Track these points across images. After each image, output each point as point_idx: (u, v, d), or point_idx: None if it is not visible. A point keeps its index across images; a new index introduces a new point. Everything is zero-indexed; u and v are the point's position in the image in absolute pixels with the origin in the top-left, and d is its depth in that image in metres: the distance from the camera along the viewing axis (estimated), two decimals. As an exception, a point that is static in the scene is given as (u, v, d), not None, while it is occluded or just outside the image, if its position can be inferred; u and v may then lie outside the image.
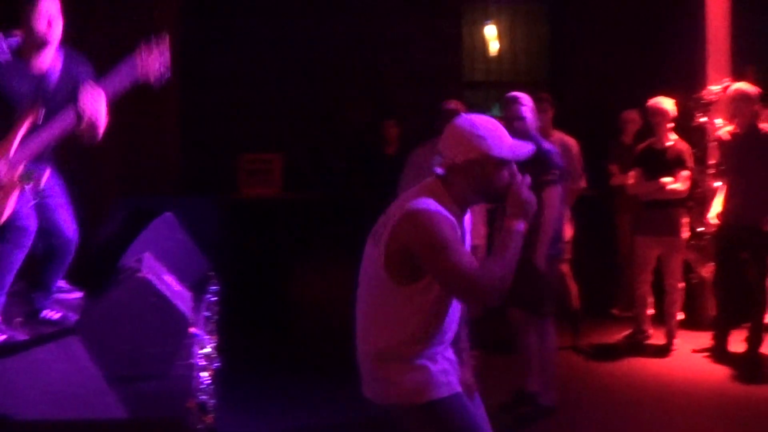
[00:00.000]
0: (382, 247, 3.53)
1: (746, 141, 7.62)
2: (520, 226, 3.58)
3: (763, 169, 7.52)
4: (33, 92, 4.99)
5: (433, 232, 3.41)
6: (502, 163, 3.55)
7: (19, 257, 5.01)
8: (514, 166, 3.61)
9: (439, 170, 3.61)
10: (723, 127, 8.03)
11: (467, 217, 3.70)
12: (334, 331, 7.54)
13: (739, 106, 7.66)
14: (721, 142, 7.95)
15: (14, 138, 4.90)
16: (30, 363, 2.95)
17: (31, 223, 5.01)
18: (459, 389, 3.68)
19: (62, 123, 5.06)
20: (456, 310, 3.67)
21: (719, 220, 7.88)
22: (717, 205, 7.96)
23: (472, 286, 3.39)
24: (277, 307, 7.97)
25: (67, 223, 5.34)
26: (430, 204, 3.47)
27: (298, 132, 10.19)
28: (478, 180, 3.55)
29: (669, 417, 6.55)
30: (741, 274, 7.78)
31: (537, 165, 6.17)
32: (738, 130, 7.72)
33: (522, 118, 6.25)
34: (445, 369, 3.65)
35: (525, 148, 3.67)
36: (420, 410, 3.63)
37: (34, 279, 5.38)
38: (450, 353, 3.75)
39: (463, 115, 3.78)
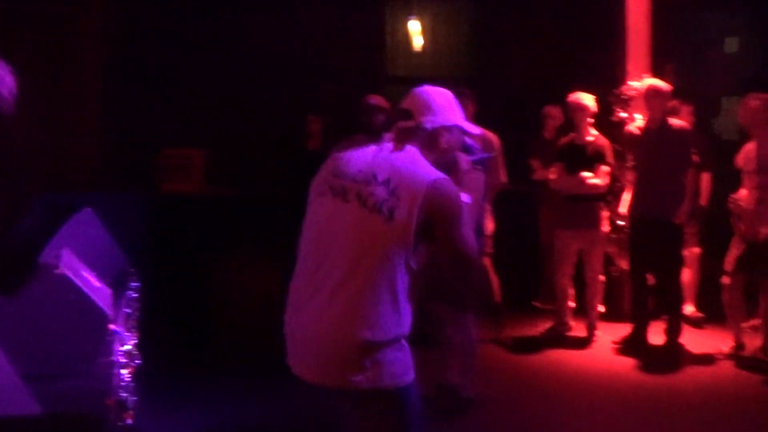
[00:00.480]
0: (402, 219, 3.42)
1: (655, 136, 7.77)
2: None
3: (671, 163, 7.67)
4: None
5: (457, 199, 3.50)
6: (449, 130, 3.70)
7: None
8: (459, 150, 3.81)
9: (417, 140, 3.65)
10: (634, 123, 8.18)
11: None
12: (255, 328, 7.55)
13: (650, 102, 7.82)
14: (630, 136, 8.10)
15: None
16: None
17: None
18: None
19: None
20: None
21: (627, 213, 8.04)
22: (627, 199, 8.11)
23: (471, 255, 3.55)
24: (198, 304, 7.89)
25: None
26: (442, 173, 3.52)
27: (221, 127, 10.11)
28: (444, 148, 3.68)
29: (589, 408, 6.65)
30: (654, 266, 7.92)
31: (458, 158, 6.20)
32: (648, 125, 7.87)
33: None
34: None
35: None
36: (398, 393, 3.61)
37: None
38: None
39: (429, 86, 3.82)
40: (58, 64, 9.30)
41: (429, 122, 3.66)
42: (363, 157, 3.63)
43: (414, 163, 3.58)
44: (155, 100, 9.97)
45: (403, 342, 3.62)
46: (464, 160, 3.78)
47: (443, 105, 3.72)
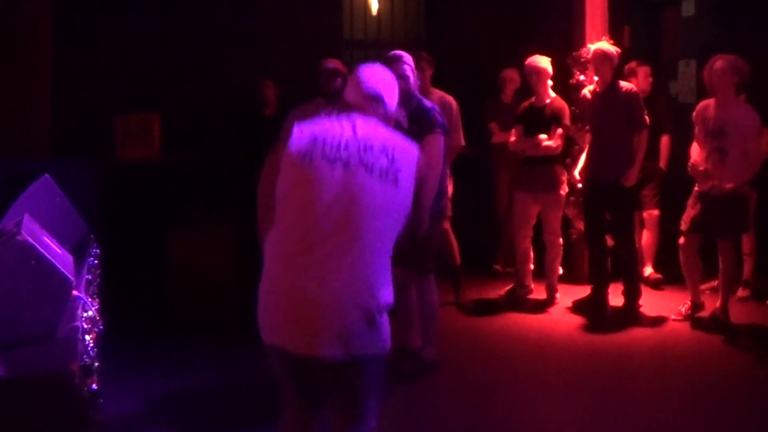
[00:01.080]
0: (406, 184, 3.64)
1: (606, 99, 7.82)
2: None
3: (621, 126, 7.72)
4: None
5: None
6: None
7: None
8: None
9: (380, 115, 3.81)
10: (587, 87, 8.24)
11: None
12: (212, 291, 7.55)
13: (599, 65, 7.87)
14: (583, 100, 8.16)
15: None
16: None
17: None
18: None
19: None
20: None
21: (580, 177, 8.10)
22: (582, 162, 8.18)
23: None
24: (156, 269, 7.87)
25: None
26: None
27: (177, 93, 10.01)
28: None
29: (548, 370, 6.71)
30: (608, 229, 7.99)
31: (419, 123, 6.20)
32: (598, 89, 7.92)
33: (405, 77, 6.26)
34: None
35: None
36: (382, 358, 3.68)
37: None
38: None
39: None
40: (8, 30, 9.16)
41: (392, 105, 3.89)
42: (340, 126, 3.68)
43: (394, 133, 3.74)
44: (109, 65, 9.85)
45: None
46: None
47: (390, 91, 3.89)
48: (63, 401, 3.43)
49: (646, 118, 7.74)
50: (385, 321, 3.62)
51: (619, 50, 7.92)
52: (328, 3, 10.88)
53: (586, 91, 8.11)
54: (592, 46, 8.18)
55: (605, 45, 7.99)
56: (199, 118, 10.07)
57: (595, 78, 8.09)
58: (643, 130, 7.73)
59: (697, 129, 7.58)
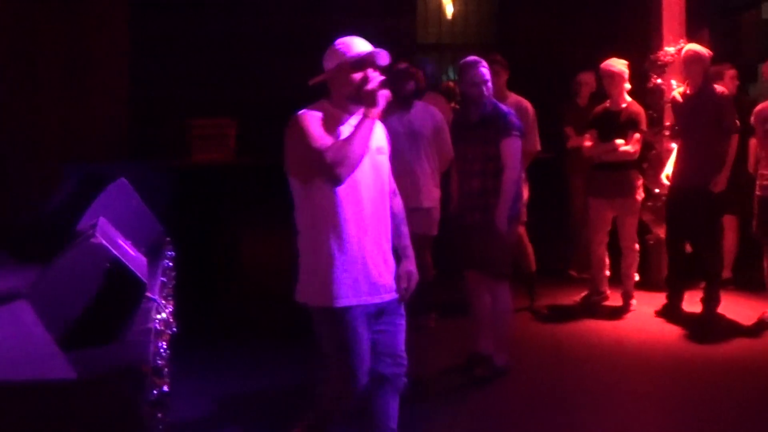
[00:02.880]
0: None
1: (697, 102, 7.67)
2: (372, 114, 4.23)
3: (712, 130, 7.57)
4: None
5: None
6: (355, 65, 4.28)
7: None
8: (369, 70, 4.28)
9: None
10: (677, 89, 8.07)
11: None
12: (286, 296, 7.55)
13: (690, 67, 7.70)
14: (673, 103, 8.01)
15: None
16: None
17: None
18: None
19: None
20: None
21: (669, 181, 7.95)
22: (669, 167, 8.02)
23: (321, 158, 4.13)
24: (230, 272, 7.91)
25: None
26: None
27: (252, 97, 10.07)
28: (343, 85, 4.32)
29: (624, 377, 6.60)
30: (692, 235, 7.85)
31: (494, 126, 6.17)
32: (689, 92, 7.76)
33: (484, 82, 6.25)
34: None
35: (378, 51, 4.31)
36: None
37: None
38: None
39: None
40: (84, 36, 9.30)
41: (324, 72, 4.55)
42: None
43: None
44: (186, 70, 9.94)
45: None
46: (375, 80, 4.30)
47: (335, 49, 4.51)
48: (134, 403, 3.44)
49: (737, 122, 7.59)
50: None
51: (710, 52, 7.74)
52: (402, 6, 10.86)
53: (676, 94, 7.94)
54: (683, 47, 8.02)
55: (696, 46, 7.81)
56: (275, 123, 10.09)
57: (673, 82, 7.95)
58: (734, 134, 7.58)
59: (757, 131, 7.46)
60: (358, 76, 4.29)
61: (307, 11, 10.32)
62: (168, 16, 9.91)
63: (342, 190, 4.21)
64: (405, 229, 4.66)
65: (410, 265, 4.62)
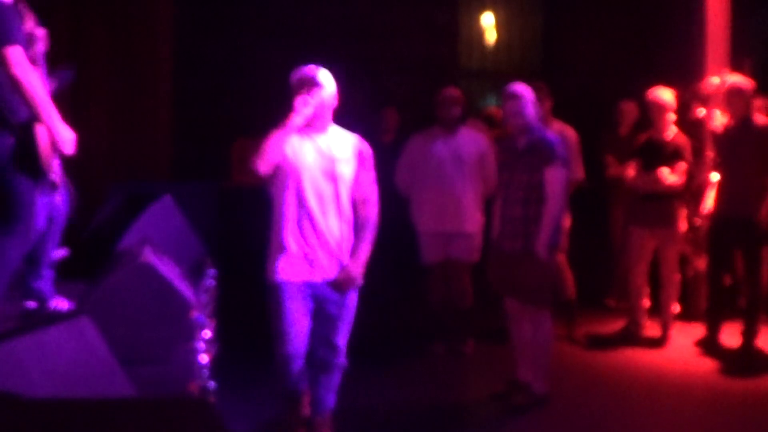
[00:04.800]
0: None
1: (739, 133, 7.62)
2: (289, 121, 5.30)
3: (754, 161, 7.52)
4: None
5: None
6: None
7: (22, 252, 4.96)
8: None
9: None
10: (718, 120, 8.04)
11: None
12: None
13: (732, 99, 7.67)
14: (715, 134, 7.97)
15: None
16: (40, 343, 2.92)
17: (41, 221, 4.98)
18: None
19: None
20: None
21: (712, 212, 7.90)
22: (711, 198, 7.97)
23: None
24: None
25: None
26: None
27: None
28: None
29: (662, 409, 6.54)
30: (733, 266, 7.80)
31: (538, 154, 6.17)
32: (731, 123, 7.73)
33: (521, 115, 6.28)
34: None
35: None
36: None
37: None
38: None
39: None
40: (130, 55, 9.40)
41: None
42: None
43: None
44: (229, 90, 10.02)
45: None
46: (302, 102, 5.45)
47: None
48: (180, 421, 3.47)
49: None
50: None
51: (753, 84, 7.71)
52: (446, 33, 10.91)
53: (719, 125, 7.91)
54: (725, 80, 7.99)
55: (739, 78, 7.77)
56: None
57: (716, 112, 7.91)
58: None
59: None
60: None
61: (352, 35, 10.39)
62: (212, 38, 10.01)
63: (290, 192, 5.16)
64: (366, 234, 5.32)
65: (353, 265, 5.24)
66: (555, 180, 6.15)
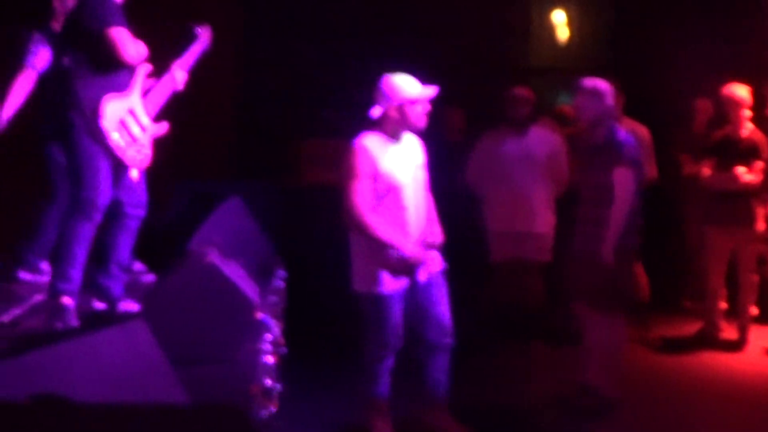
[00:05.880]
0: None
1: None
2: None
3: None
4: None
5: None
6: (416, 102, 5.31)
7: (90, 231, 5.08)
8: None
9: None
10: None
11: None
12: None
13: None
14: None
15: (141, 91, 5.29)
16: (92, 346, 2.91)
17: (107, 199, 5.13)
18: None
19: (170, 84, 5.44)
20: None
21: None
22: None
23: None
24: (340, 293, 7.88)
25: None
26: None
27: (362, 118, 10.09)
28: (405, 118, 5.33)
29: (736, 413, 6.41)
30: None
31: (609, 155, 6.04)
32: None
33: (590, 109, 6.17)
34: None
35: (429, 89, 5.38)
36: None
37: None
38: None
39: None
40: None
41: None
42: None
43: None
44: (296, 89, 10.02)
45: None
46: None
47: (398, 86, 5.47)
48: (241, 423, 3.43)
49: None
50: None
51: None
52: (517, 30, 10.81)
53: None
54: None
55: None
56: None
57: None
58: None
59: None
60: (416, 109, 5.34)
61: (419, 33, 10.33)
62: (278, 36, 10.01)
63: (390, 204, 5.27)
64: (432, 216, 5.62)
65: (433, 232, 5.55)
66: (622, 181, 5.99)
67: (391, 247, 5.23)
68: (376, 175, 5.22)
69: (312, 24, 10.17)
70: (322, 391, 6.53)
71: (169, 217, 6.84)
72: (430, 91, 5.37)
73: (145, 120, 5.41)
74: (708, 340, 7.96)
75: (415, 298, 5.44)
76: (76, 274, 4.99)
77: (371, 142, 5.31)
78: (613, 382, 6.37)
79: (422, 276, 5.39)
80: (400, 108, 5.32)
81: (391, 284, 5.30)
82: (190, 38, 6.22)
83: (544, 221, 7.47)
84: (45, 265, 6.09)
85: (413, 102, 5.32)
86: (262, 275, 5.57)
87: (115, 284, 5.35)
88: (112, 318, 4.64)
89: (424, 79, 9.89)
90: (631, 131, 7.20)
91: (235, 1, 9.94)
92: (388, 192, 5.25)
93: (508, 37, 10.64)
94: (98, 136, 5.06)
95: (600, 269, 6.05)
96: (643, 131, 7.75)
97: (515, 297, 7.66)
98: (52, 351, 2.83)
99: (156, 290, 4.37)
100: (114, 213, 5.30)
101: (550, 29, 11.34)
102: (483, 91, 10.01)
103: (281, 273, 6.20)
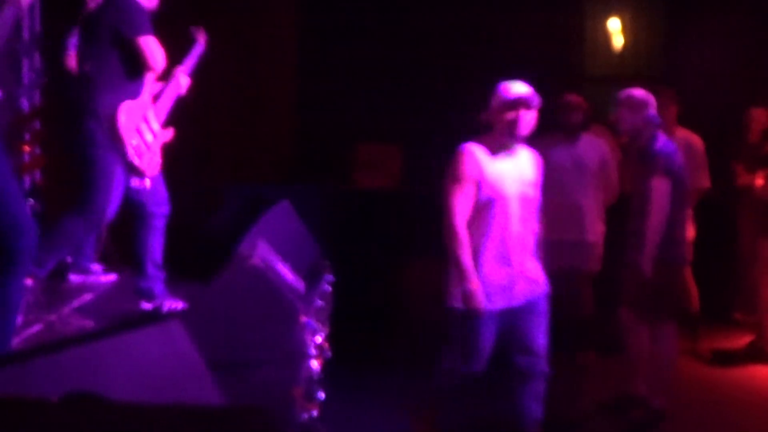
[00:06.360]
0: None
1: None
2: None
3: None
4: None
5: None
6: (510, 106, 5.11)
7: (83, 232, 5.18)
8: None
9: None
10: None
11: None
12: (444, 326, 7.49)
13: None
14: None
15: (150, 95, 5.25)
16: (129, 345, 2.96)
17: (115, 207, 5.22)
18: None
19: (175, 89, 5.43)
20: None
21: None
22: None
23: None
24: (390, 299, 7.91)
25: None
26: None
27: (416, 124, 10.11)
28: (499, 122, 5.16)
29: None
30: None
31: (645, 165, 6.00)
32: None
33: (626, 121, 6.15)
34: None
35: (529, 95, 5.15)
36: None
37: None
38: None
39: None
40: (254, 59, 9.51)
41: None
42: None
43: None
44: (353, 93, 10.05)
45: None
46: None
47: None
48: (281, 426, 3.47)
49: None
50: None
51: None
52: (572, 37, 10.75)
53: None
54: None
55: None
56: (440, 150, 10.11)
57: None
58: None
59: None
60: (511, 115, 5.11)
61: (474, 39, 10.32)
62: (335, 40, 10.06)
63: (492, 219, 5.13)
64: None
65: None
66: (657, 191, 5.94)
67: (457, 268, 5.13)
68: (480, 182, 5.09)
69: (370, 28, 10.20)
70: (365, 399, 6.53)
71: (219, 220, 6.91)
72: (530, 96, 5.15)
73: (156, 126, 5.41)
74: (759, 353, 7.87)
75: (511, 320, 5.26)
76: (51, 262, 5.11)
77: (478, 148, 5.18)
78: (663, 394, 6.32)
79: (518, 299, 5.22)
80: (501, 114, 5.15)
81: (486, 302, 5.11)
82: (191, 42, 6.06)
83: (594, 230, 7.44)
84: (95, 266, 6.21)
85: (513, 107, 5.11)
86: (309, 279, 5.60)
87: (156, 284, 5.44)
88: (151, 317, 4.71)
89: (478, 87, 9.89)
90: (684, 140, 7.17)
91: (293, 3, 10.00)
92: (490, 202, 5.09)
93: (564, 45, 10.60)
94: (117, 144, 5.08)
95: (643, 279, 6.01)
96: (696, 140, 7.69)
97: (565, 306, 7.62)
98: (89, 349, 2.88)
99: (200, 292, 4.43)
100: (139, 215, 5.38)
101: (605, 37, 11.27)
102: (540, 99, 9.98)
103: (329, 277, 6.23)
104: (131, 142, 5.09)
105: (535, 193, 5.31)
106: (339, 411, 5.55)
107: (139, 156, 5.18)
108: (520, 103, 5.10)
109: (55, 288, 5.63)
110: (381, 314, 8.13)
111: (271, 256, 4.84)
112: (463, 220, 5.10)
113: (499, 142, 5.19)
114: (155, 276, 5.45)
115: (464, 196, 5.10)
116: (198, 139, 9.14)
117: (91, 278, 6.05)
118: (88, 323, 4.92)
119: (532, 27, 10.54)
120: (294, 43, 9.75)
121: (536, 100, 5.14)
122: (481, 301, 5.06)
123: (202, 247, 6.02)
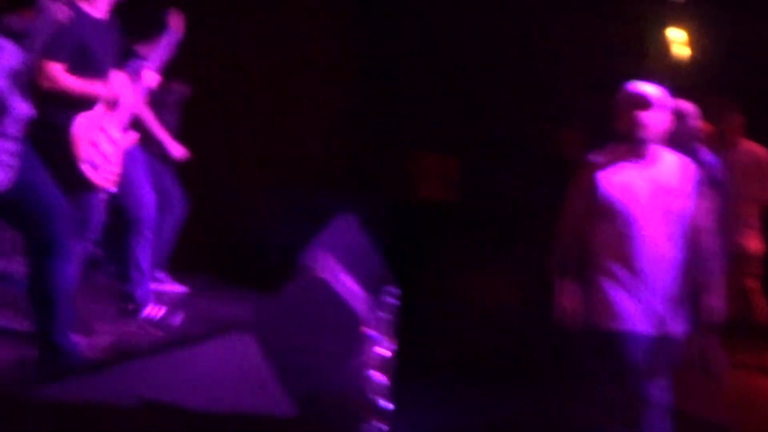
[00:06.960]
0: None
1: None
2: None
3: None
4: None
5: None
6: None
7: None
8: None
9: None
10: None
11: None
12: (508, 338, 7.45)
13: None
14: None
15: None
16: (199, 356, 2.98)
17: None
18: None
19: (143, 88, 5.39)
20: None
21: None
22: None
23: None
24: (453, 310, 7.88)
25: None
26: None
27: (476, 136, 10.10)
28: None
29: None
30: None
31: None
32: None
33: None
34: None
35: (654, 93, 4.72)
36: None
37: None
38: None
39: None
40: (309, 66, 9.52)
41: None
42: None
43: None
44: (407, 104, 10.06)
45: None
46: None
47: None
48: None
49: None
50: None
51: None
52: (631, 50, 10.68)
53: None
54: None
55: None
56: (499, 161, 10.10)
57: None
58: None
59: None
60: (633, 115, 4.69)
61: (535, 51, 10.29)
62: (393, 48, 10.06)
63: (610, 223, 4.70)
64: (711, 266, 4.74)
65: (710, 298, 4.72)
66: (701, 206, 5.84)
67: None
68: (594, 192, 4.72)
69: (430, 36, 10.20)
70: (431, 407, 6.51)
71: (283, 229, 6.96)
72: (652, 95, 4.69)
73: (116, 134, 5.02)
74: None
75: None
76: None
77: (602, 156, 4.81)
78: (721, 408, 6.23)
79: (648, 327, 4.70)
80: (625, 116, 4.71)
81: (631, 323, 4.66)
82: (159, 31, 5.60)
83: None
84: (161, 274, 6.26)
85: (636, 109, 4.68)
86: (372, 291, 5.61)
87: (137, 288, 5.53)
88: (217, 328, 4.73)
89: (539, 98, 9.86)
90: (747, 153, 7.08)
91: (354, 9, 10.02)
92: (609, 213, 4.69)
93: (625, 56, 10.53)
94: (69, 161, 4.74)
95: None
96: (761, 153, 7.59)
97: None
98: (158, 359, 2.91)
99: (265, 303, 4.46)
100: (125, 221, 5.41)
101: (666, 48, 11.19)
102: (595, 111, 9.92)
103: (393, 290, 6.24)
104: (84, 160, 4.80)
105: (679, 204, 4.72)
106: (407, 422, 5.57)
107: (95, 171, 4.86)
108: (639, 101, 4.68)
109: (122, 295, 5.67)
110: (444, 325, 8.10)
111: (336, 268, 4.85)
112: (570, 229, 4.85)
113: (630, 147, 4.74)
114: (138, 281, 5.50)
115: (574, 206, 4.85)
116: (256, 145, 9.17)
117: (160, 287, 6.10)
118: (160, 333, 4.96)
119: (592, 37, 10.51)
120: (350, 48, 9.75)
121: (660, 100, 4.69)
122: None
123: (264, 255, 6.07)
